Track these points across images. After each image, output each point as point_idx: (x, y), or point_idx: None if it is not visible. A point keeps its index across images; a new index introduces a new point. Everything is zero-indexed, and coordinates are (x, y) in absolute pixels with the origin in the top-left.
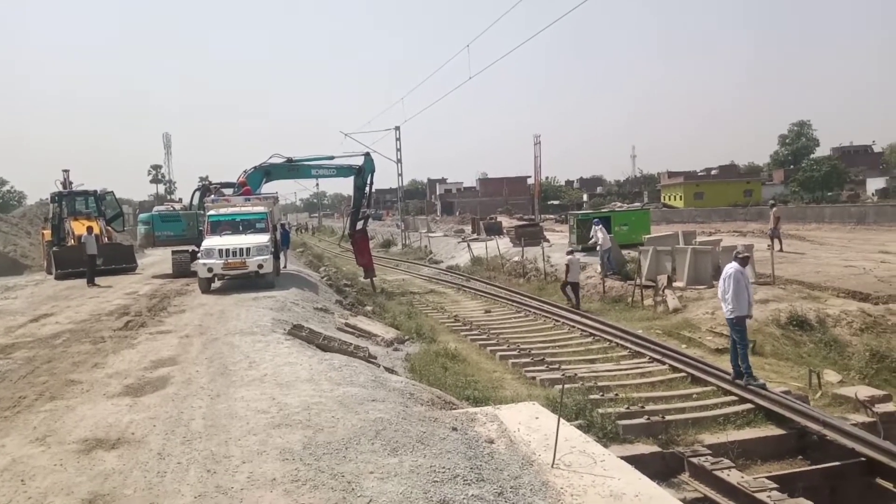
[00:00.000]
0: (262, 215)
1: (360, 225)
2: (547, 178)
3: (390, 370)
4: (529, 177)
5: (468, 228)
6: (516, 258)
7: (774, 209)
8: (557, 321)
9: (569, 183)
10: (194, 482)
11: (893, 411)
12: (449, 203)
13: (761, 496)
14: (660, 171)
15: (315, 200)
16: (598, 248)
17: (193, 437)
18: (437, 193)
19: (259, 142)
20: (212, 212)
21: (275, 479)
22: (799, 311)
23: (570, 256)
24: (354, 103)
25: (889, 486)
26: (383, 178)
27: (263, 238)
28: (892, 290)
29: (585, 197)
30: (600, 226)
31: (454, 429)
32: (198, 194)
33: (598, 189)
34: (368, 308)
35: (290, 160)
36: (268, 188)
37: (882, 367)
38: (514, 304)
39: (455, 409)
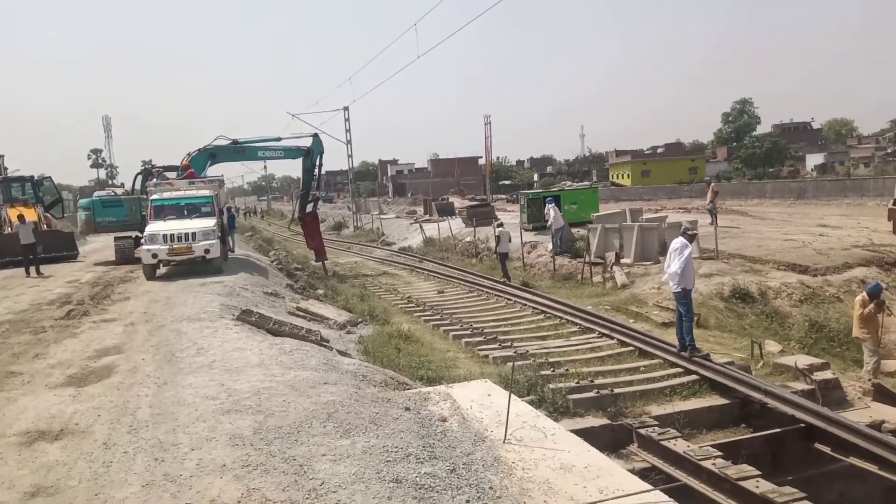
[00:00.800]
0: (207, 199)
1: (309, 207)
2: (498, 158)
3: (343, 353)
4: (481, 157)
5: (420, 210)
6: (468, 238)
7: (712, 185)
8: (510, 300)
9: (520, 163)
10: (141, 471)
11: (830, 379)
12: (401, 184)
13: (706, 464)
14: (608, 150)
15: (263, 183)
16: (549, 226)
17: (140, 425)
18: (389, 175)
19: (203, 125)
20: (155, 196)
21: (224, 466)
22: (741, 284)
23: (499, 229)
24: (302, 84)
25: (826, 450)
26: (333, 160)
27: (209, 222)
28: (829, 263)
29: (536, 176)
30: (553, 205)
31: (407, 409)
32: (140, 178)
33: (549, 168)
34: (320, 291)
35: (235, 142)
36: (213, 171)
37: (820, 337)
38: (467, 284)
39: (408, 389)
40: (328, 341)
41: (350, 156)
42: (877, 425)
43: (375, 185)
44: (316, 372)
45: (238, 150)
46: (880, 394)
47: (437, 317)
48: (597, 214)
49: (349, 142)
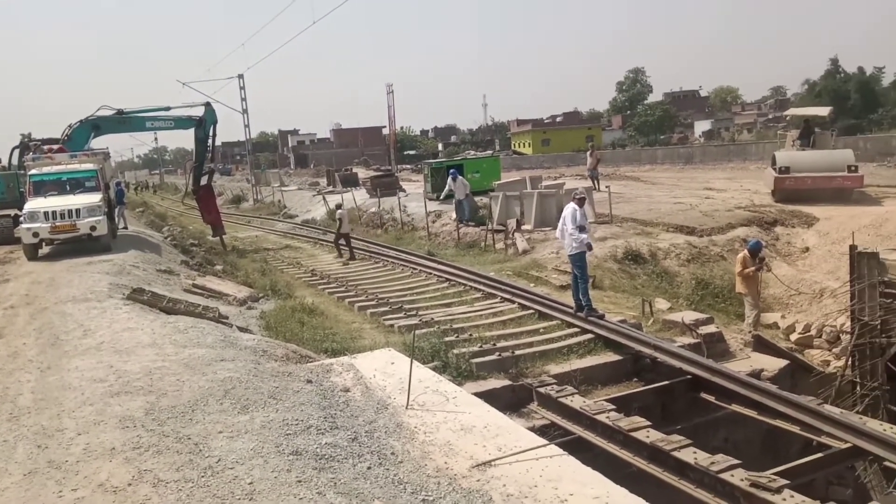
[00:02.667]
0: (91, 173)
1: (204, 180)
2: (402, 128)
3: (244, 329)
4: (385, 127)
5: (323, 181)
6: (373, 209)
7: (595, 152)
8: (415, 269)
9: (424, 133)
10: (23, 459)
11: (715, 332)
12: (302, 155)
13: (600, 418)
14: (510, 119)
15: (155, 156)
16: (455, 196)
17: (21, 412)
18: (290, 146)
19: (92, 96)
20: (34, 171)
21: (114, 449)
22: (633, 246)
23: (339, 211)
24: (193, 50)
25: (711, 399)
26: (230, 131)
27: (94, 198)
28: (714, 224)
29: (441, 146)
30: (456, 175)
31: (309, 381)
32: (17, 152)
33: (453, 138)
34: (218, 267)
35: (120, 112)
36: (98, 144)
37: (706, 294)
38: (372, 254)
39: (311, 362)
40: (227, 318)
41: (247, 126)
42: (756, 374)
43: (276, 157)
44: (212, 349)
45: (123, 121)
46: (760, 345)
47: (342, 289)
48: (498, 183)
49: (245, 111)
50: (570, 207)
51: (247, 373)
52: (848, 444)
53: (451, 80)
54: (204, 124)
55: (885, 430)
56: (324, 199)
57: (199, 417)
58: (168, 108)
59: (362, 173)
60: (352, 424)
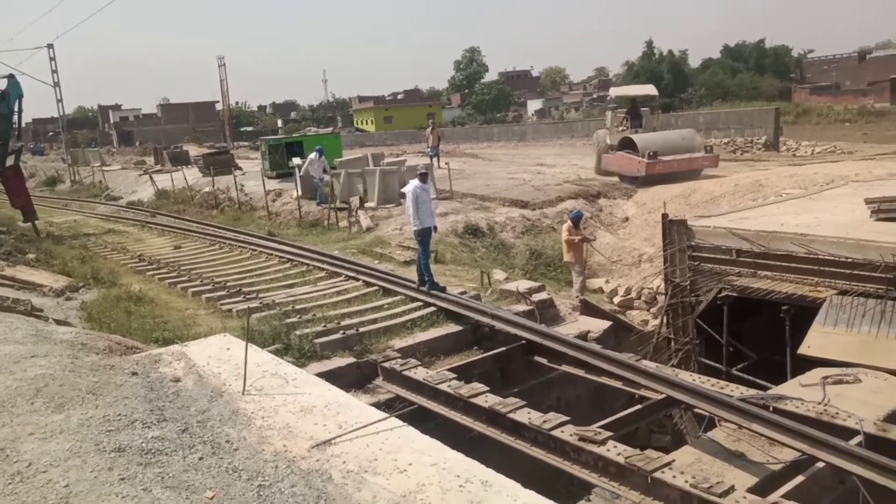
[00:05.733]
0: None
1: (10, 161)
2: (238, 103)
3: (62, 322)
4: (218, 102)
5: (151, 160)
6: (207, 189)
7: (435, 129)
8: (255, 250)
9: (262, 108)
10: None
11: (546, 299)
12: (127, 132)
13: (442, 387)
14: (352, 95)
15: None
16: (306, 175)
17: None
18: (112, 122)
19: None
20: None
21: None
22: (473, 220)
23: None
24: None
25: (544, 361)
26: (41, 106)
27: None
28: (545, 197)
29: (280, 122)
30: (312, 155)
31: (134, 373)
32: None
33: (293, 114)
34: (31, 256)
35: None
36: None
37: (539, 263)
38: (208, 237)
39: (139, 352)
40: (42, 310)
41: (59, 100)
42: (583, 336)
43: (96, 134)
44: (22, 345)
45: None
46: (586, 308)
47: (174, 274)
48: (340, 160)
49: (57, 84)
50: (413, 184)
51: (62, 368)
52: (663, 395)
53: (289, 53)
54: (7, 99)
55: (694, 380)
56: (151, 178)
57: (6, 420)
58: None
59: (194, 151)
60: (182, 415)
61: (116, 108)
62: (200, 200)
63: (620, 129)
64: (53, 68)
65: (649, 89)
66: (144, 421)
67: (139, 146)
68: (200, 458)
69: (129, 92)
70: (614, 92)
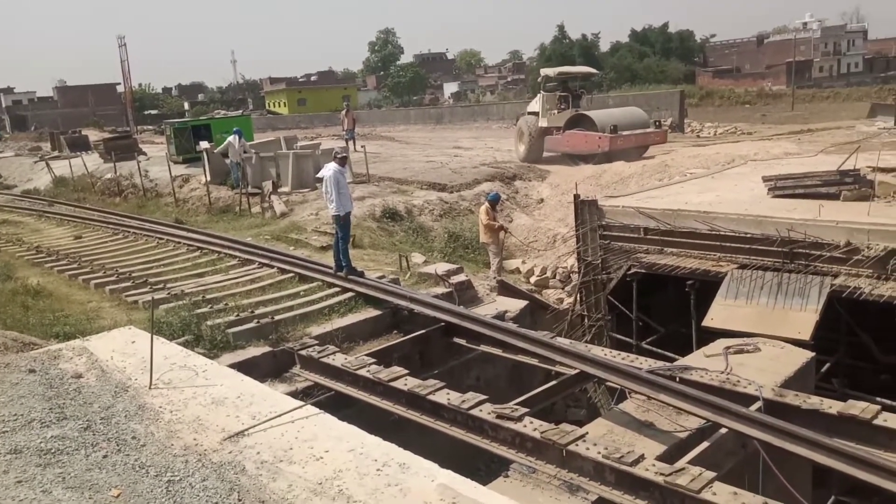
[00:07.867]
0: None
1: None
2: (141, 85)
3: None
4: (119, 84)
5: (47, 146)
6: (109, 175)
7: (351, 112)
8: (161, 239)
9: (167, 90)
10: None
11: (464, 280)
12: (20, 117)
13: (362, 372)
14: (262, 77)
15: None
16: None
17: None
18: (4, 106)
19: None
20: None
21: None
22: (391, 204)
23: None
24: None
25: (463, 342)
26: None
27: None
28: (462, 180)
29: (187, 105)
30: (231, 137)
31: (31, 371)
32: None
33: (200, 96)
34: None
35: None
36: None
37: (457, 246)
38: (111, 225)
39: (37, 349)
40: None
41: None
42: (501, 315)
43: None
44: None
45: None
46: (504, 289)
47: (75, 265)
48: (251, 143)
49: None
50: (331, 167)
51: None
52: (577, 371)
53: (194, 32)
54: None
55: (605, 355)
56: (47, 165)
57: None
58: None
59: (94, 136)
60: (84, 413)
61: (9, 91)
62: (102, 188)
63: (561, 108)
64: None
65: (588, 69)
66: (43, 420)
67: (34, 131)
68: (105, 456)
69: (23, 74)
70: (555, 71)
